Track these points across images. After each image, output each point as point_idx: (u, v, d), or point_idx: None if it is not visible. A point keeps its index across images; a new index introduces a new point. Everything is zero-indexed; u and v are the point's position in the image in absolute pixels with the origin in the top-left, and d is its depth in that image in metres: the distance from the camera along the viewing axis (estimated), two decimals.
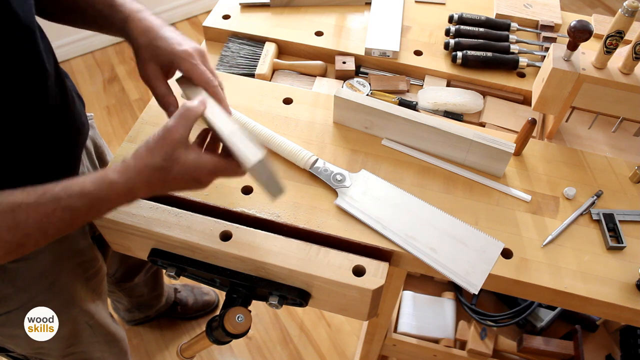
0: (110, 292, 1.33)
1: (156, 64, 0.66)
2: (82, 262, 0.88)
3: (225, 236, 0.74)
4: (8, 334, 0.85)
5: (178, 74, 0.70)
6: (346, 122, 0.88)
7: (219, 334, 0.73)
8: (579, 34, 0.78)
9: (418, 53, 1.03)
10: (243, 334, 0.72)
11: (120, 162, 0.60)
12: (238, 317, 0.71)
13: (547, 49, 1.02)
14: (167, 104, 0.68)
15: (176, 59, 0.66)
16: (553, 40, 1.04)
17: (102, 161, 0.96)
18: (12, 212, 0.54)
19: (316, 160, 0.81)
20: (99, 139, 0.96)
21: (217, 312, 0.82)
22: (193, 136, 0.64)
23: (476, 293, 0.72)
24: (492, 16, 1.10)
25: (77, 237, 0.86)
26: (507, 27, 1.05)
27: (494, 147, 0.79)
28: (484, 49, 0.99)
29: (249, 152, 0.60)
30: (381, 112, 0.83)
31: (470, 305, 1.15)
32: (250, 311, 0.73)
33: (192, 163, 0.60)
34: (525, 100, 0.99)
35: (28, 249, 0.58)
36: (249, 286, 0.75)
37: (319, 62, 1.01)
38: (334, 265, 0.71)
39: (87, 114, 0.93)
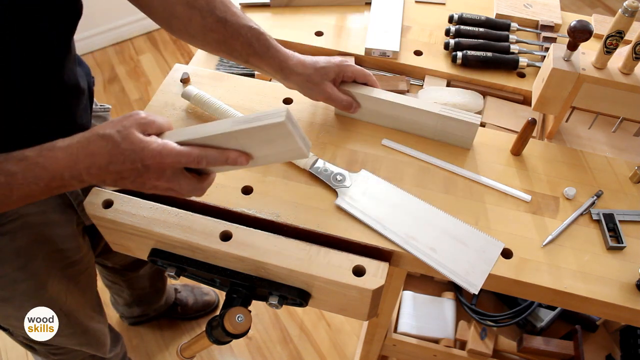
0: (113, 283, 1.33)
1: (328, 81, 0.81)
2: (61, 249, 0.88)
3: (225, 236, 0.74)
4: None
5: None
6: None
7: (219, 334, 0.73)
8: (579, 34, 0.78)
9: (418, 53, 1.03)
10: (243, 334, 0.72)
11: None
12: (238, 317, 0.70)
13: (547, 49, 1.02)
14: (350, 104, 0.83)
15: (342, 68, 0.82)
16: (553, 40, 1.04)
17: None
18: None
19: (316, 160, 0.82)
20: None
21: (217, 312, 0.82)
22: None
23: (476, 293, 0.72)
24: (492, 16, 1.10)
25: (58, 224, 0.85)
26: (507, 27, 1.05)
27: (461, 119, 0.82)
28: (484, 49, 0.99)
29: (272, 114, 0.58)
30: (364, 97, 0.85)
31: (470, 305, 1.15)
32: (250, 311, 0.73)
33: (141, 141, 0.57)
34: (525, 100, 0.99)
35: None
36: (249, 286, 0.75)
37: None
38: (334, 265, 0.71)
39: (104, 105, 0.94)
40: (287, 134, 0.59)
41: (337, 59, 0.82)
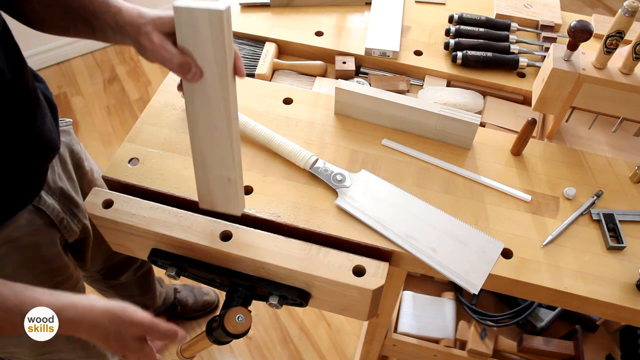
0: (101, 290, 1.33)
1: (160, 33, 0.61)
2: (49, 269, 0.87)
3: (225, 236, 0.74)
4: None
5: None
6: (345, 111, 0.90)
7: (219, 334, 0.73)
8: (579, 34, 0.78)
9: (418, 53, 1.03)
10: (243, 334, 0.72)
11: (70, 302, 0.65)
12: (238, 317, 0.70)
13: (547, 49, 1.02)
14: (185, 63, 0.59)
15: None
16: (553, 40, 1.04)
17: (79, 168, 0.94)
18: None
19: (316, 160, 0.81)
20: (76, 144, 0.94)
21: (217, 312, 0.82)
22: None
23: (476, 293, 0.72)
24: (492, 16, 1.10)
25: (44, 246, 0.85)
26: (507, 27, 1.05)
27: (460, 119, 0.82)
28: (484, 49, 0.99)
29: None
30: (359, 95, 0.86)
31: (470, 305, 1.15)
32: (250, 311, 0.73)
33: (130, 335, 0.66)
34: (525, 100, 0.99)
35: None
36: (249, 286, 0.75)
37: (319, 62, 1.01)
38: (334, 266, 0.71)
39: (64, 119, 0.91)
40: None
41: None
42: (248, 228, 0.75)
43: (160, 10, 0.63)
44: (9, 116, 0.69)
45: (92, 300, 0.65)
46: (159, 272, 1.47)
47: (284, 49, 1.05)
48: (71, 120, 0.93)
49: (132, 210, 0.75)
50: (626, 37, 0.78)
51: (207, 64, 0.59)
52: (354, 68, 1.00)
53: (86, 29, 0.69)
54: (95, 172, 0.99)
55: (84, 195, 0.91)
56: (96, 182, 0.97)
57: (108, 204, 0.76)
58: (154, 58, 0.62)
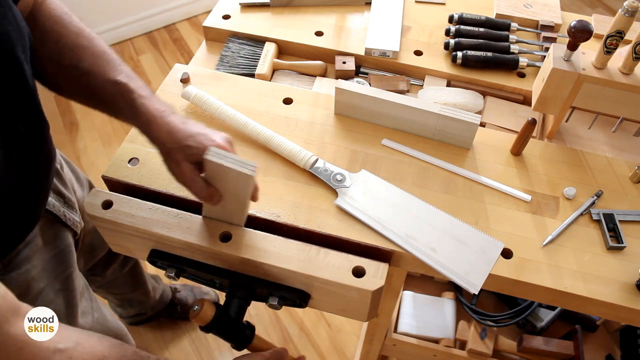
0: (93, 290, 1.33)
1: (190, 163, 0.67)
2: (62, 266, 0.88)
3: (225, 237, 0.74)
4: None
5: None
6: (345, 111, 0.90)
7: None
8: (579, 34, 0.78)
9: (418, 53, 1.03)
10: (206, 326, 0.71)
11: None
12: (195, 307, 0.69)
13: (547, 49, 1.02)
14: (211, 195, 0.69)
15: None
16: (553, 40, 1.04)
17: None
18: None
19: (316, 160, 0.81)
20: None
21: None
22: None
23: (476, 293, 0.72)
24: (492, 16, 1.10)
25: (57, 242, 0.85)
26: (507, 27, 1.05)
27: (460, 119, 0.82)
28: (484, 49, 0.99)
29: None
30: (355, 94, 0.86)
31: (470, 305, 1.15)
32: (215, 303, 0.71)
33: None
34: (525, 100, 0.99)
35: None
36: (248, 287, 0.75)
37: (319, 62, 1.01)
38: (333, 266, 0.71)
39: None
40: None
41: (217, 138, 0.68)
42: (248, 229, 0.75)
43: (188, 130, 0.67)
44: (27, 134, 0.70)
45: None
46: (158, 269, 1.47)
47: (284, 49, 1.05)
48: None
49: (131, 211, 0.75)
50: (626, 37, 0.78)
51: (229, 195, 0.69)
52: (354, 68, 1.00)
53: (112, 114, 0.74)
54: (65, 167, 0.97)
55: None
56: (66, 175, 0.96)
57: (107, 204, 0.76)
58: (181, 182, 0.69)
